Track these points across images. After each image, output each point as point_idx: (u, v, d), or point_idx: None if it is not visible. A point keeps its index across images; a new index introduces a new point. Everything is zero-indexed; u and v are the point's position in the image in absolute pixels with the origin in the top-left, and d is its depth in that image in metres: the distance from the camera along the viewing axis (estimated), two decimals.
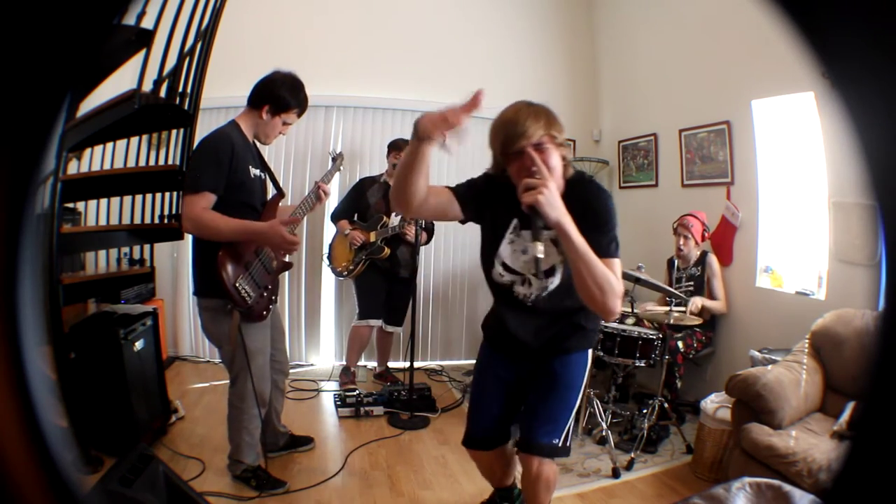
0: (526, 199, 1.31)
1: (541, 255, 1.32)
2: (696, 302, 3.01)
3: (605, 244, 1.41)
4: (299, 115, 2.13)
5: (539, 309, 1.57)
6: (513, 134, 1.38)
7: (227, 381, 2.14)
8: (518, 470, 1.83)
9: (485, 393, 1.77)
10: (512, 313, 1.63)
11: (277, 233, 1.93)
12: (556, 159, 1.42)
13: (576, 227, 1.34)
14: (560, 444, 1.62)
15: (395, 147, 3.36)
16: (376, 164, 3.93)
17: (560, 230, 1.32)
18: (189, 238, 2.11)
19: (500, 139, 1.41)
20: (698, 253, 3.20)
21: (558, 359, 1.65)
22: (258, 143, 2.16)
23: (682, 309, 2.92)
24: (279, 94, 2.03)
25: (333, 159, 2.70)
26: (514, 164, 1.41)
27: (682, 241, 3.17)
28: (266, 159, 2.29)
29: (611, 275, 1.36)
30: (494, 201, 1.56)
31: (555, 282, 1.54)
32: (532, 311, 1.58)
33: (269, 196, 2.21)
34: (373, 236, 3.28)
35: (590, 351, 1.72)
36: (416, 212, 1.51)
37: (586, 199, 1.46)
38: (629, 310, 3.28)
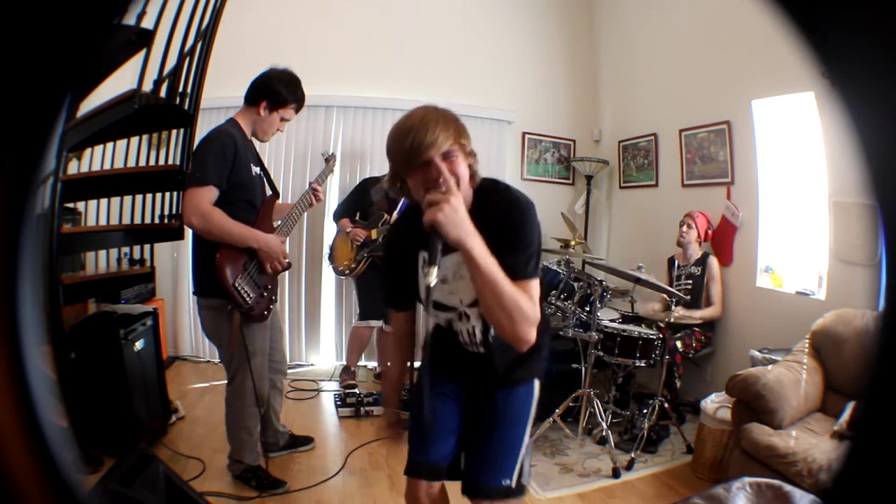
0: (426, 217, 1.11)
1: (433, 282, 1.11)
2: (692, 314, 2.98)
3: (519, 265, 1.19)
4: (297, 111, 2.13)
5: (490, 350, 1.36)
6: (420, 142, 1.15)
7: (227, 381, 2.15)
8: None
9: (435, 408, 1.45)
10: (455, 355, 1.43)
11: (279, 248, 2.03)
12: (464, 168, 1.21)
13: (486, 244, 1.14)
14: (512, 485, 1.41)
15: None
16: (377, 165, 3.93)
17: (462, 249, 1.11)
18: (189, 238, 2.11)
19: (403, 148, 1.17)
20: (700, 252, 3.20)
21: (500, 393, 1.45)
22: (255, 141, 2.16)
23: (686, 315, 2.91)
24: (276, 90, 2.03)
25: (326, 160, 2.69)
26: (418, 176, 1.19)
27: (684, 229, 3.16)
28: (264, 158, 2.29)
29: (522, 300, 1.16)
30: (405, 243, 1.36)
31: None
32: (478, 355, 1.40)
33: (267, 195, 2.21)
34: (374, 233, 3.28)
35: (536, 381, 1.48)
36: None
37: (498, 211, 1.25)
38: (629, 310, 3.28)
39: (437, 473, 1.47)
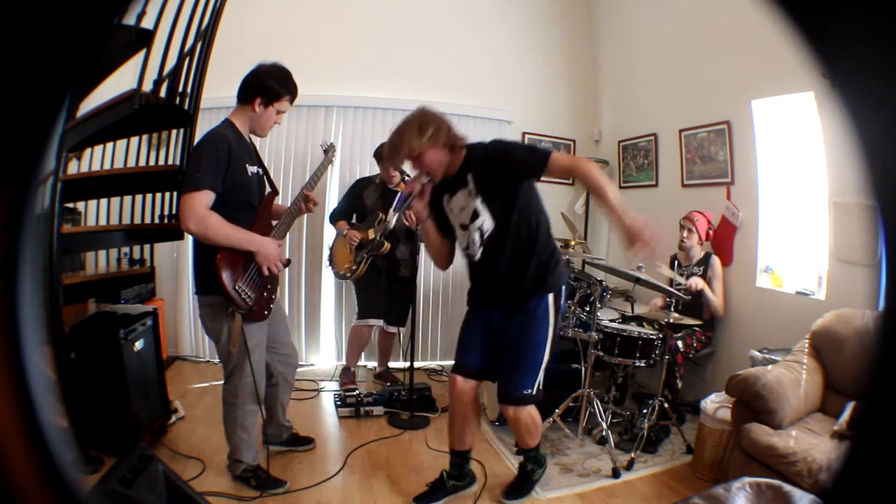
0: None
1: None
2: (696, 280, 3.01)
3: (527, 170, 1.90)
4: (292, 102, 2.12)
5: (486, 257, 1.98)
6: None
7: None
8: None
9: (469, 332, 2.12)
10: (474, 270, 2.06)
11: (275, 251, 2.05)
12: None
13: (481, 179, 1.92)
14: (532, 393, 2.01)
15: (379, 157, 3.37)
16: (377, 165, 3.92)
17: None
18: (189, 238, 2.11)
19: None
20: (702, 253, 3.20)
21: (520, 310, 1.98)
22: (254, 138, 2.15)
23: (681, 282, 2.93)
24: (269, 85, 2.02)
25: (325, 151, 2.67)
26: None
27: (685, 234, 3.15)
28: (263, 158, 2.28)
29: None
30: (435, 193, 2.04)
31: (485, 225, 1.94)
32: (483, 264, 2.00)
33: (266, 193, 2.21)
34: (371, 233, 3.27)
35: (550, 296, 2.00)
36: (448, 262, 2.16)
37: (479, 159, 1.94)
38: (629, 311, 3.28)
39: (473, 374, 2.09)
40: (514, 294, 1.98)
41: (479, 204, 1.92)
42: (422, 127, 1.86)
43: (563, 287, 2.07)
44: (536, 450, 2.21)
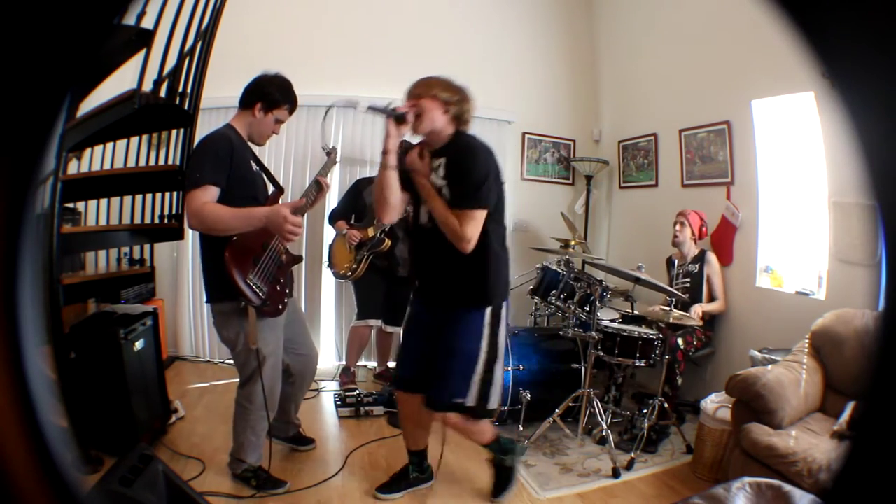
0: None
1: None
2: (697, 310, 3.00)
3: (455, 197, 1.84)
4: (290, 112, 2.13)
5: (420, 251, 2.05)
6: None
7: (227, 381, 2.15)
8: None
9: (407, 338, 2.11)
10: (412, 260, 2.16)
11: (280, 214, 1.86)
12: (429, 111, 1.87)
13: (445, 175, 1.87)
14: (467, 403, 1.90)
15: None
16: (376, 165, 3.93)
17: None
18: (189, 239, 2.11)
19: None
20: (696, 250, 3.19)
21: (454, 318, 1.92)
22: (253, 146, 2.15)
23: (686, 314, 2.91)
24: (269, 91, 2.04)
25: (328, 153, 2.67)
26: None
27: (678, 227, 3.15)
28: (262, 160, 2.28)
29: (452, 223, 1.81)
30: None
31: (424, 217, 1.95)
32: (417, 257, 2.10)
33: (270, 192, 2.21)
34: (371, 231, 3.27)
35: (488, 310, 1.92)
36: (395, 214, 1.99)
37: (455, 153, 1.88)
38: (629, 310, 3.28)
39: (413, 387, 2.04)
40: (445, 297, 1.95)
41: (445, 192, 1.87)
42: (451, 87, 1.92)
43: (504, 301, 1.98)
44: (497, 441, 2.14)
